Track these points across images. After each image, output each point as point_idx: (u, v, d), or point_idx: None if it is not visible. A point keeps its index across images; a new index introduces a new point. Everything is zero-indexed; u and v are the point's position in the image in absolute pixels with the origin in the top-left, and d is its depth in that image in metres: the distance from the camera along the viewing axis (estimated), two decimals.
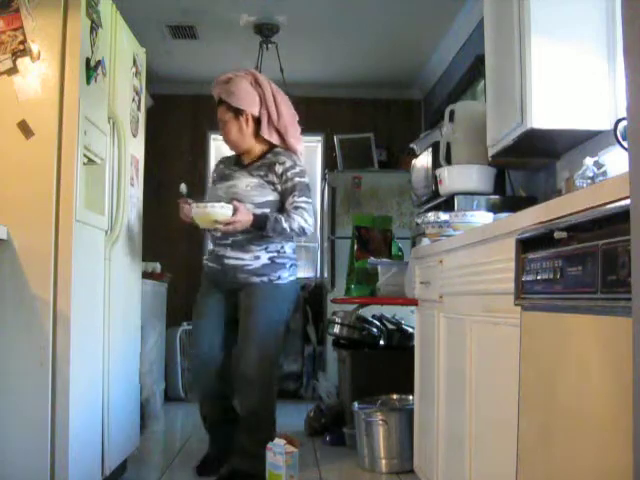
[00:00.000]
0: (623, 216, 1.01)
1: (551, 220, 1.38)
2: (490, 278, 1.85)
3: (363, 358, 3.75)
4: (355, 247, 4.10)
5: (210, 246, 3.11)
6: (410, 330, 3.75)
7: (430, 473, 2.54)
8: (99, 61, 2.49)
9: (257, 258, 2.90)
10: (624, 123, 1.96)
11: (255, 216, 2.83)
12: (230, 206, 2.77)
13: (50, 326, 2.23)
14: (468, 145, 3.22)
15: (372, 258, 3.77)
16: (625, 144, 1.94)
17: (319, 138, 5.95)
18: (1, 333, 2.21)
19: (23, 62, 2.28)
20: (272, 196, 2.92)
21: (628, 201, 0.91)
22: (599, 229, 1.15)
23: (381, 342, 3.85)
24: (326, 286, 5.24)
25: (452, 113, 3.30)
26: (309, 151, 6.03)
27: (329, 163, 5.73)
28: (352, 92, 5.85)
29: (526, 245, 1.48)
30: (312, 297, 5.61)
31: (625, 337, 0.95)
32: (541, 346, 1.40)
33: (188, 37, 4.90)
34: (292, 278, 2.98)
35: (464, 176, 3.15)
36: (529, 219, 1.53)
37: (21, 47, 2.28)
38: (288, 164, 2.94)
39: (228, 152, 3.23)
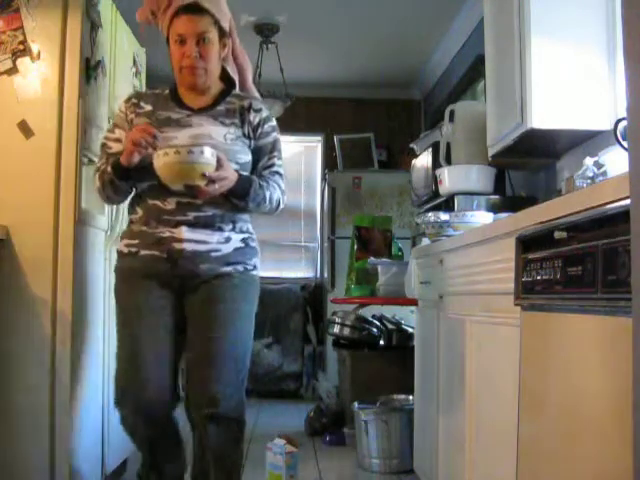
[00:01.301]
0: (623, 216, 1.01)
1: (551, 220, 1.38)
2: (490, 278, 1.85)
3: (363, 358, 3.75)
4: (355, 247, 4.11)
5: (135, 224, 2.12)
6: (410, 330, 3.75)
7: (430, 473, 2.54)
8: (99, 61, 2.49)
9: (228, 240, 2.10)
10: (624, 123, 1.96)
11: (240, 176, 2.05)
12: (214, 152, 1.95)
13: (50, 326, 2.23)
14: (468, 145, 3.22)
15: (372, 258, 3.77)
16: (625, 144, 1.94)
17: (319, 138, 5.95)
18: (1, 333, 2.21)
19: (23, 62, 2.28)
20: (248, 155, 2.15)
21: (628, 201, 0.91)
22: (599, 229, 1.15)
23: (381, 342, 3.85)
24: (326, 286, 5.24)
25: (452, 113, 3.30)
26: (309, 151, 6.04)
27: (329, 163, 5.73)
28: (352, 92, 5.85)
29: (526, 245, 1.48)
30: (312, 297, 5.61)
31: (625, 337, 0.95)
32: (541, 346, 1.40)
33: None
34: (259, 269, 2.23)
35: (464, 176, 3.15)
36: (529, 219, 1.53)
37: (21, 47, 2.28)
38: (264, 113, 2.20)
39: None
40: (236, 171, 2.03)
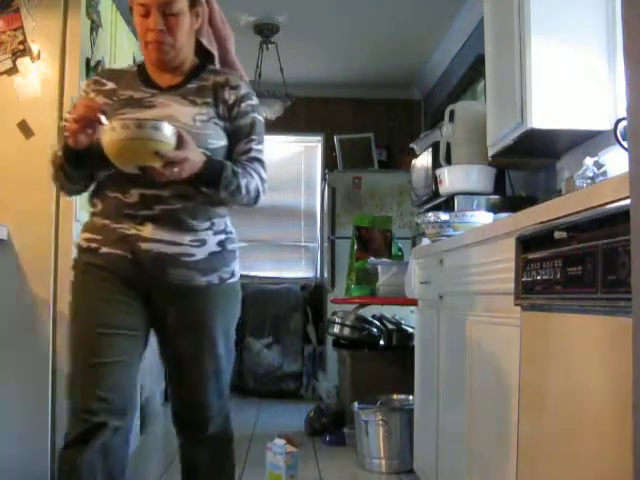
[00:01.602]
0: (623, 216, 1.01)
1: (551, 220, 1.38)
2: (490, 278, 1.85)
3: (363, 358, 3.75)
4: (355, 247, 4.11)
5: (96, 217, 1.82)
6: (410, 330, 3.75)
7: (430, 473, 2.54)
8: (99, 61, 2.49)
9: (203, 243, 1.79)
10: (624, 123, 1.96)
11: (208, 160, 1.72)
12: (174, 129, 1.64)
13: (50, 326, 2.23)
14: (468, 145, 3.22)
15: (372, 258, 3.77)
16: (625, 144, 1.94)
17: (319, 138, 5.95)
18: (1, 333, 2.21)
19: (23, 62, 2.28)
20: (223, 140, 1.83)
21: (628, 201, 0.91)
22: (599, 229, 1.15)
23: (381, 342, 3.85)
24: (326, 286, 5.24)
25: (452, 113, 3.30)
26: (309, 151, 6.04)
27: (329, 163, 5.73)
28: (352, 92, 5.85)
29: (526, 245, 1.48)
30: (312, 297, 5.61)
31: (625, 337, 0.95)
32: (541, 346, 1.40)
33: None
34: (239, 274, 1.95)
35: (464, 176, 3.15)
36: (529, 219, 1.53)
37: (21, 47, 2.28)
38: (243, 90, 1.88)
39: None
40: (204, 154, 1.72)
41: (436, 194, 3.35)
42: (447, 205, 3.20)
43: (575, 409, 1.24)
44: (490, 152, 2.89)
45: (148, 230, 1.74)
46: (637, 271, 0.87)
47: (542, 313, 1.38)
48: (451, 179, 3.18)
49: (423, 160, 3.62)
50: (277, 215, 5.90)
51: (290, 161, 6.01)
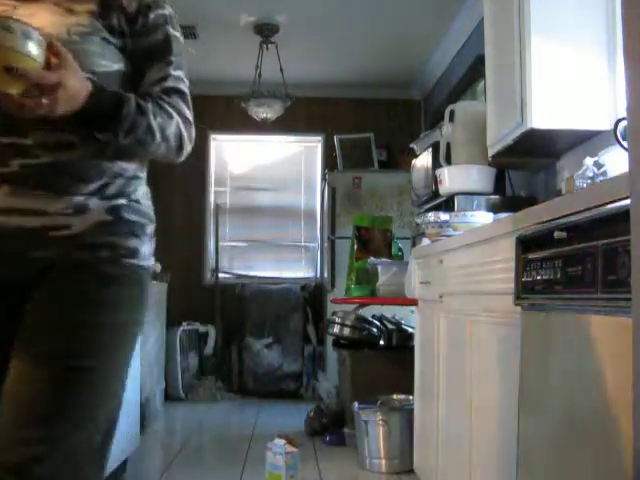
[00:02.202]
0: (623, 216, 1.01)
1: (551, 220, 1.39)
2: (490, 278, 1.85)
3: (363, 358, 3.75)
4: (355, 247, 4.11)
5: None
6: (410, 330, 3.75)
7: (430, 473, 2.54)
8: None
9: (82, 210, 1.28)
10: (624, 123, 1.96)
11: (97, 88, 1.21)
12: (40, 38, 1.13)
13: None
14: (468, 145, 3.22)
15: (372, 258, 3.77)
16: (625, 144, 1.94)
17: (319, 138, 5.95)
18: None
19: None
20: (119, 63, 1.32)
21: (628, 201, 0.91)
22: (599, 229, 1.15)
23: (381, 342, 3.86)
24: (326, 286, 5.24)
25: (452, 113, 3.30)
26: (309, 151, 6.04)
27: (329, 163, 5.73)
28: (352, 92, 5.85)
29: (526, 245, 1.48)
30: (312, 297, 5.61)
31: (625, 337, 0.95)
32: (541, 346, 1.40)
33: (188, 37, 4.89)
34: (151, 261, 1.40)
35: (464, 176, 3.15)
36: (529, 219, 1.53)
37: None
38: None
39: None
40: (90, 80, 1.20)
41: (436, 194, 3.35)
42: (447, 205, 3.20)
43: (575, 409, 1.24)
44: (490, 152, 2.89)
45: (0, 196, 1.24)
46: (637, 271, 0.87)
47: (542, 313, 1.38)
48: (451, 179, 3.18)
49: (423, 160, 3.62)
50: (277, 215, 5.91)
51: (290, 161, 6.01)
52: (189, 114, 1.37)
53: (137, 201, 1.36)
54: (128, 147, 1.29)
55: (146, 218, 1.38)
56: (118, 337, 1.30)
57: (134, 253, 1.33)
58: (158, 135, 1.29)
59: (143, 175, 1.41)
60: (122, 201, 1.32)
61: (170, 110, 1.32)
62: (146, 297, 1.37)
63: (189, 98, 1.38)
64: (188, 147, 1.38)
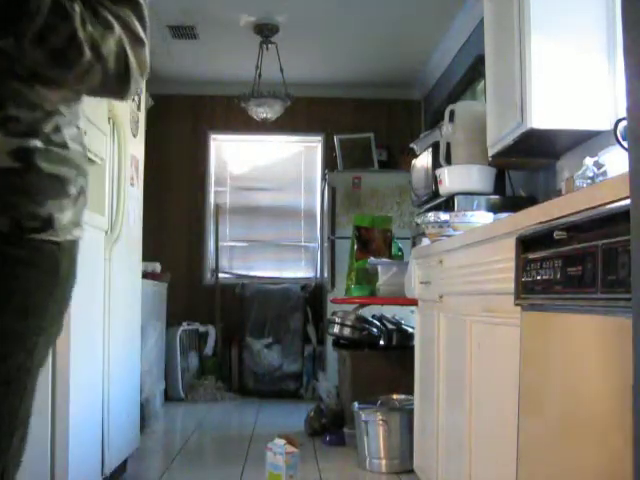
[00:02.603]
0: (623, 216, 1.01)
1: (551, 220, 1.38)
2: (490, 278, 1.85)
3: (363, 358, 3.75)
4: (355, 247, 4.11)
5: None
6: (410, 330, 3.75)
7: (430, 473, 2.54)
8: None
9: None
10: (624, 123, 1.96)
11: None
12: None
13: None
14: (468, 145, 3.22)
15: (372, 258, 3.77)
16: (625, 144, 1.94)
17: (319, 138, 5.95)
18: None
19: None
20: None
21: (628, 201, 0.91)
22: (599, 229, 1.15)
23: (381, 342, 3.86)
24: (326, 286, 5.24)
25: (452, 113, 3.30)
26: (309, 151, 6.04)
27: (329, 163, 5.73)
28: (352, 92, 5.85)
29: (526, 245, 1.48)
30: (312, 297, 5.61)
31: (625, 337, 0.95)
32: (541, 346, 1.40)
33: (188, 37, 4.89)
34: (76, 232, 1.05)
35: (464, 176, 3.15)
36: (529, 219, 1.53)
37: None
38: None
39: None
40: None
41: (436, 194, 3.35)
42: (447, 205, 3.20)
43: (575, 409, 1.23)
44: (490, 152, 2.89)
45: None
46: (637, 271, 0.87)
47: (542, 313, 1.38)
48: (451, 179, 3.18)
49: (423, 160, 3.62)
50: (277, 215, 5.91)
51: (290, 161, 6.01)
52: (141, 31, 1.01)
53: (61, 145, 1.00)
54: (44, 64, 0.95)
55: (72, 169, 1.01)
56: (20, 344, 0.96)
57: (46, 223, 0.96)
58: (87, 51, 0.94)
59: (74, 111, 1.05)
60: (36, 143, 0.96)
61: (110, 19, 0.97)
62: (62, 291, 1.01)
63: (144, 9, 1.03)
64: (137, 76, 1.03)
